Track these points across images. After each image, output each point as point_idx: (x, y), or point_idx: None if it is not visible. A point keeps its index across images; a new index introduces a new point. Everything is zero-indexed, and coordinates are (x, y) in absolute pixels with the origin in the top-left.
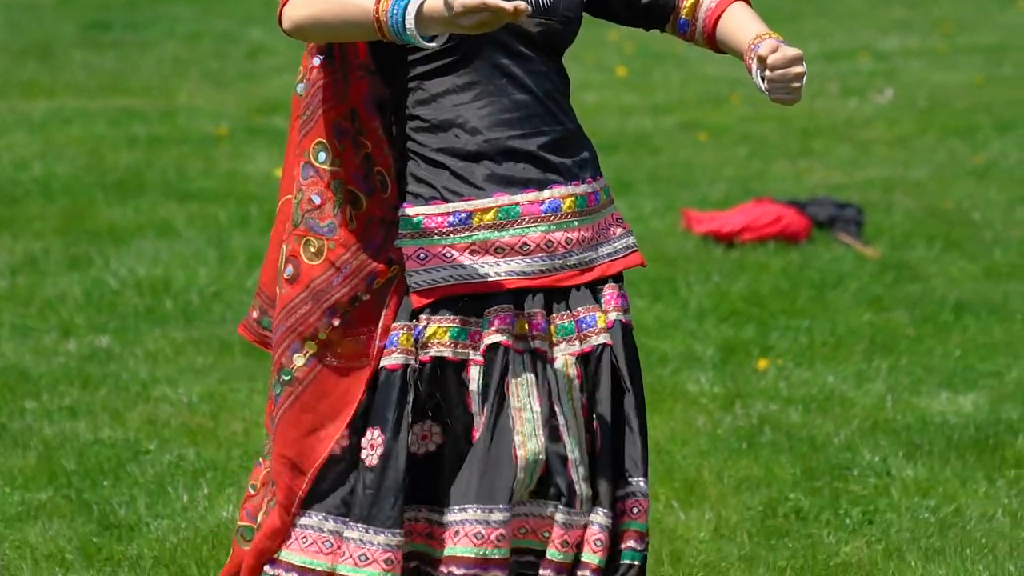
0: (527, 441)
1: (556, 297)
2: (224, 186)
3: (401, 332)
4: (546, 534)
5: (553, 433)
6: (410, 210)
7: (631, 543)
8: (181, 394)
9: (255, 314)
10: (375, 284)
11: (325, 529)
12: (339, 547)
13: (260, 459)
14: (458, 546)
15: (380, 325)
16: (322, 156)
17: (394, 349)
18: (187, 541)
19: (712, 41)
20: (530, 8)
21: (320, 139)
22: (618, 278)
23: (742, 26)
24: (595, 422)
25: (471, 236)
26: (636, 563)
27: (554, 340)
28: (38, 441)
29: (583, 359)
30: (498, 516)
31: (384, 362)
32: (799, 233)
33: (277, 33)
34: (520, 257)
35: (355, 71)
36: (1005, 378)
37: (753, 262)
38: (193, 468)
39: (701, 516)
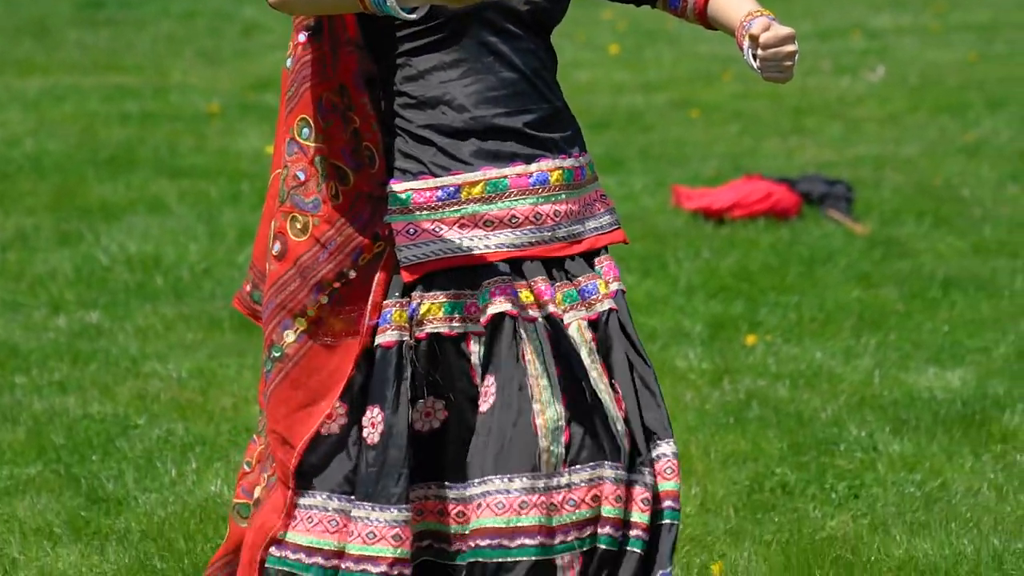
0: (546, 409)
1: (554, 267)
2: (216, 163)
3: (394, 309)
4: (596, 497)
5: (581, 394)
6: (398, 186)
7: (670, 502)
8: (171, 369)
9: (248, 287)
10: (361, 260)
11: (330, 508)
12: (345, 526)
13: (254, 435)
14: (482, 518)
15: (369, 302)
16: (305, 132)
17: (388, 326)
18: (175, 515)
19: (703, 18)
20: None
21: (304, 115)
22: (607, 251)
23: (733, 3)
24: (617, 384)
25: (460, 210)
26: (677, 522)
27: (564, 308)
28: (27, 416)
29: (591, 326)
30: (518, 484)
31: (379, 340)
32: (789, 210)
33: (271, 10)
34: (509, 230)
35: (344, 46)
36: (992, 354)
37: (743, 238)
38: (182, 443)
39: (688, 490)
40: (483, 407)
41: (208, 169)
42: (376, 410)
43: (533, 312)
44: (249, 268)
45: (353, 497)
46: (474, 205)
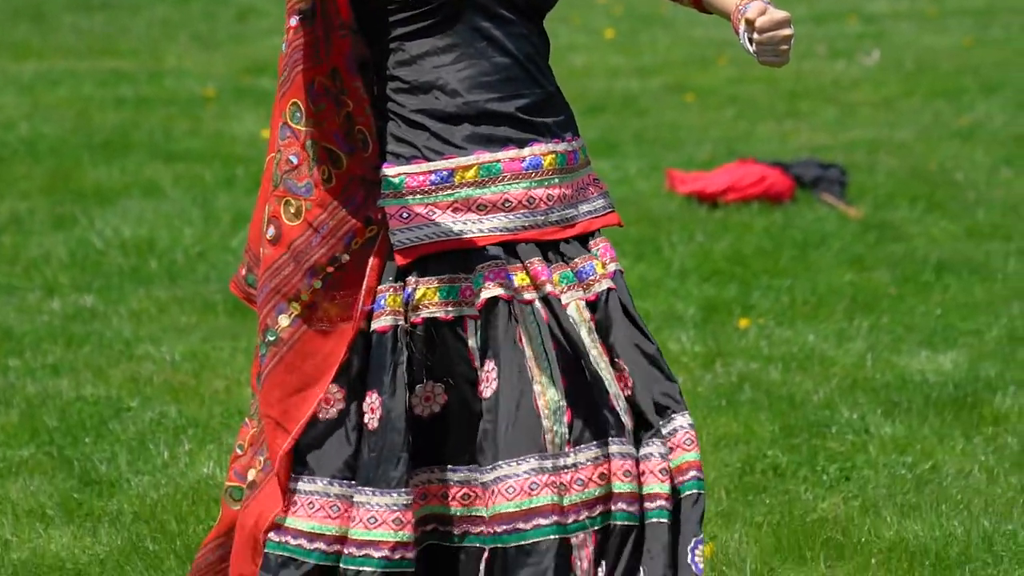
0: (546, 390)
1: (549, 250)
2: (210, 147)
3: (388, 294)
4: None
5: (581, 373)
6: (391, 170)
7: (693, 472)
8: (164, 352)
9: (243, 271)
10: (354, 244)
11: (331, 494)
12: (346, 511)
13: (247, 419)
14: (496, 504)
15: (364, 287)
16: (297, 116)
17: (383, 311)
18: (167, 497)
19: (698, 2)
20: None
21: (296, 99)
22: (601, 233)
23: None
24: (621, 362)
25: (453, 194)
26: (702, 491)
27: (561, 288)
28: (20, 399)
29: (590, 307)
30: (526, 466)
31: (374, 325)
32: (783, 193)
33: None
34: (502, 214)
35: (337, 30)
36: (985, 337)
37: (736, 222)
38: (175, 425)
39: None
40: (486, 392)
41: (203, 153)
42: (375, 395)
43: (529, 294)
44: (244, 252)
45: (354, 482)
46: (467, 189)
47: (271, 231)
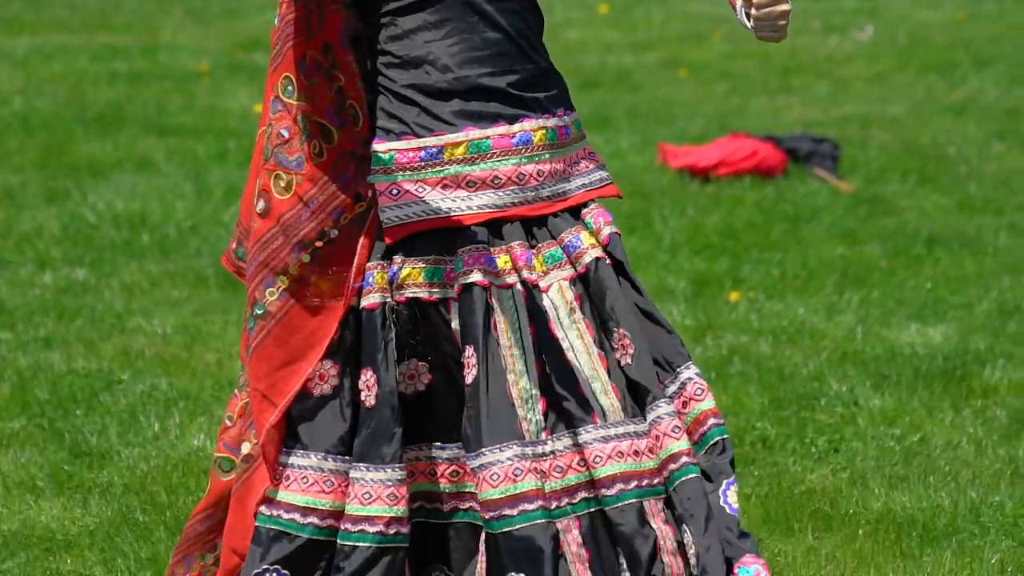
0: (519, 379)
1: (536, 226)
2: (203, 121)
3: (376, 271)
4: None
5: (558, 361)
6: (380, 146)
7: (712, 420)
8: (156, 326)
9: (234, 245)
10: (343, 220)
11: (325, 469)
12: (340, 486)
13: (236, 391)
14: (483, 491)
15: (354, 264)
16: (289, 90)
17: (371, 288)
18: (157, 468)
19: None
20: None
21: (287, 73)
22: (595, 201)
23: None
24: (621, 330)
25: (442, 171)
26: (724, 436)
27: (543, 270)
28: (12, 372)
29: (581, 280)
30: (508, 453)
31: (363, 302)
32: (775, 168)
33: None
34: (492, 190)
35: (330, 4)
36: (975, 310)
37: (728, 196)
38: (165, 397)
39: None
40: (469, 379)
41: (196, 127)
42: (369, 372)
43: (510, 278)
44: (236, 225)
45: (348, 458)
46: (456, 166)
47: (260, 204)
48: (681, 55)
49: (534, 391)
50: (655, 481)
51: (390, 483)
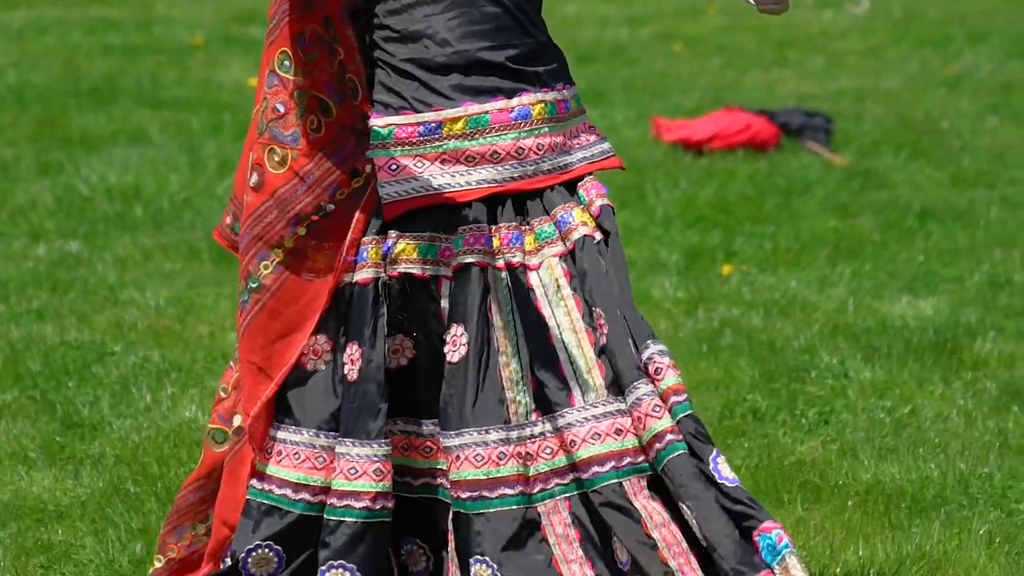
0: (510, 360)
1: (531, 201)
2: (198, 94)
3: (370, 247)
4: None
5: (546, 343)
6: (379, 120)
7: (673, 398)
8: (148, 298)
9: (228, 219)
10: (339, 195)
11: (317, 445)
12: (332, 462)
13: (231, 362)
14: (461, 470)
15: (348, 238)
16: (286, 64)
17: (365, 263)
18: (149, 440)
19: None
20: None
21: (284, 48)
22: (591, 174)
23: None
24: (598, 310)
25: (441, 145)
26: (688, 412)
27: (534, 246)
28: (4, 343)
29: (570, 256)
30: (494, 436)
31: (356, 277)
32: (768, 141)
33: None
34: (491, 165)
35: None
36: (966, 283)
37: (721, 169)
38: (158, 369)
39: None
40: (453, 357)
41: (190, 100)
42: (355, 347)
43: (501, 260)
44: (230, 200)
45: (339, 433)
46: (455, 141)
47: (254, 178)
48: (676, 29)
49: (525, 373)
50: (639, 459)
51: (376, 458)
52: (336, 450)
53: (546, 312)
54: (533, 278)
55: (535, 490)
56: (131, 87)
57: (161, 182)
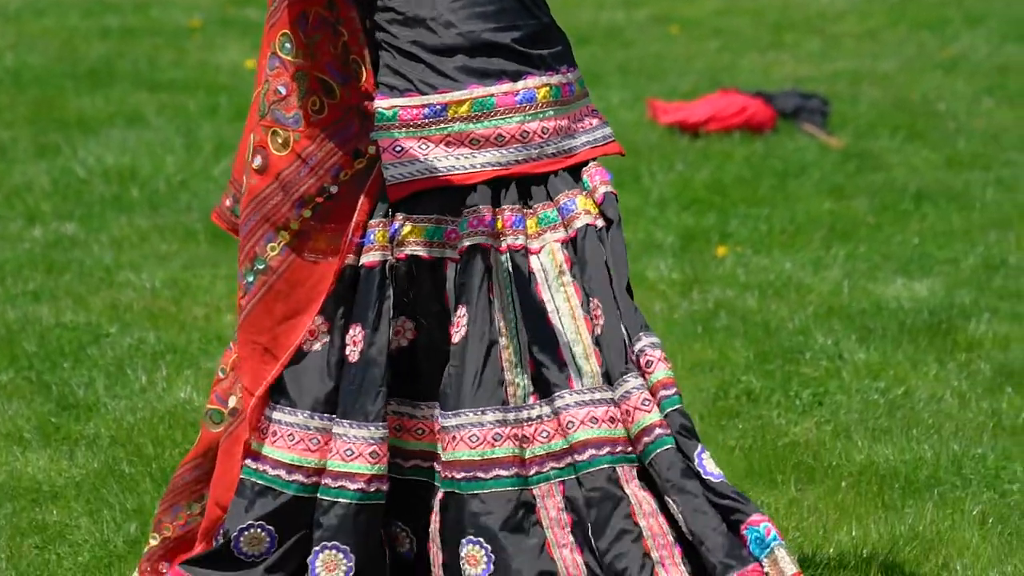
0: (510, 343)
1: (534, 183)
2: (195, 77)
3: (377, 229)
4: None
5: (544, 326)
6: (384, 102)
7: (662, 392)
8: (144, 280)
9: (228, 202)
10: (342, 176)
11: (311, 427)
12: (325, 443)
13: (231, 344)
14: (456, 450)
15: (353, 220)
16: (287, 47)
17: (372, 246)
18: (144, 421)
19: None
20: None
21: (285, 30)
22: (595, 159)
23: None
24: (596, 300)
25: (446, 128)
26: (677, 407)
27: (536, 231)
28: (0, 325)
29: (571, 243)
30: (490, 417)
31: (363, 259)
32: (764, 123)
33: None
34: (496, 148)
35: None
36: (961, 264)
37: (717, 151)
38: (153, 351)
39: None
40: (455, 338)
41: (187, 83)
42: (358, 328)
43: (503, 243)
44: (229, 182)
45: (334, 416)
46: (460, 124)
47: (258, 160)
48: (673, 11)
49: (524, 355)
50: (628, 449)
51: (372, 441)
52: (333, 431)
53: (545, 296)
54: (534, 262)
55: (531, 472)
56: (128, 69)
57: (157, 164)
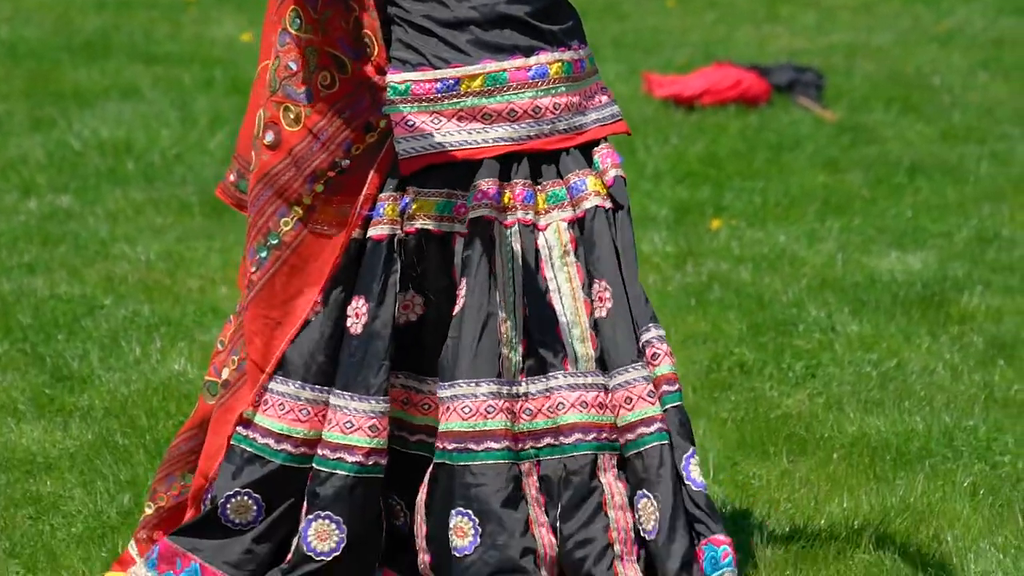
0: (508, 317)
1: (545, 162)
2: (190, 50)
3: (388, 203)
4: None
5: (542, 304)
6: (396, 76)
7: (664, 387)
8: (139, 252)
9: (232, 177)
10: (354, 150)
11: (302, 398)
12: (316, 415)
13: (231, 316)
14: (450, 421)
15: (363, 193)
16: (297, 23)
17: (381, 219)
18: (138, 392)
19: None
20: None
21: (295, 6)
22: (607, 139)
23: None
24: (603, 282)
25: (459, 102)
26: (677, 403)
27: (545, 207)
28: None
29: (578, 223)
30: (484, 389)
31: (371, 232)
32: (759, 97)
33: None
34: (508, 123)
35: None
36: (955, 238)
37: (712, 124)
38: (147, 323)
39: None
40: (455, 309)
41: (182, 56)
42: (361, 301)
43: (510, 217)
44: (233, 158)
45: (326, 388)
46: (473, 98)
47: (270, 136)
48: None
49: (519, 330)
50: (613, 436)
51: (373, 414)
52: (332, 402)
53: (548, 275)
54: (540, 239)
55: (518, 447)
56: (124, 42)
57: (153, 137)
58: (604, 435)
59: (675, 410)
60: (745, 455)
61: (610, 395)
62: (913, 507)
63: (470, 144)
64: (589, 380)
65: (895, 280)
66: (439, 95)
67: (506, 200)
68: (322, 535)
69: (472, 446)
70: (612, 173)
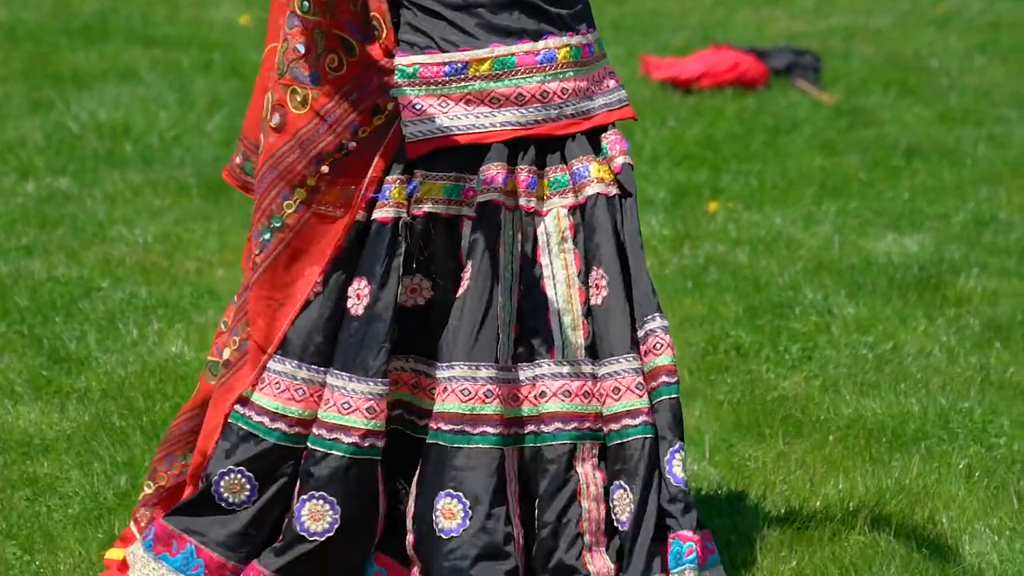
0: (506, 303)
1: (550, 149)
2: (188, 32)
3: (394, 186)
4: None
5: (536, 290)
6: (405, 59)
7: (663, 378)
8: (137, 234)
9: (238, 160)
10: (361, 132)
11: (298, 377)
12: (312, 395)
13: (234, 297)
14: (446, 402)
15: (368, 176)
16: (305, 5)
17: (387, 202)
18: (135, 374)
19: None
20: None
21: None
22: (614, 125)
23: None
24: (600, 269)
25: (467, 86)
26: (673, 396)
27: (546, 194)
28: None
29: (579, 210)
30: (484, 373)
31: (376, 214)
32: (757, 80)
33: None
34: (515, 107)
35: None
36: (951, 220)
37: (709, 107)
38: (144, 305)
39: None
40: (458, 292)
41: (180, 38)
42: (363, 282)
43: (513, 201)
44: (239, 140)
45: (322, 368)
46: (481, 82)
47: (276, 119)
48: None
49: (512, 316)
50: (597, 426)
51: (371, 396)
52: (329, 383)
53: (544, 261)
54: (539, 225)
55: (511, 432)
56: (122, 25)
57: (151, 119)
58: (587, 424)
59: (670, 402)
60: (741, 437)
61: (598, 384)
62: (908, 489)
63: (478, 128)
64: (574, 369)
65: (891, 263)
66: (447, 78)
67: (511, 184)
68: (316, 515)
69: (468, 429)
70: (619, 160)
